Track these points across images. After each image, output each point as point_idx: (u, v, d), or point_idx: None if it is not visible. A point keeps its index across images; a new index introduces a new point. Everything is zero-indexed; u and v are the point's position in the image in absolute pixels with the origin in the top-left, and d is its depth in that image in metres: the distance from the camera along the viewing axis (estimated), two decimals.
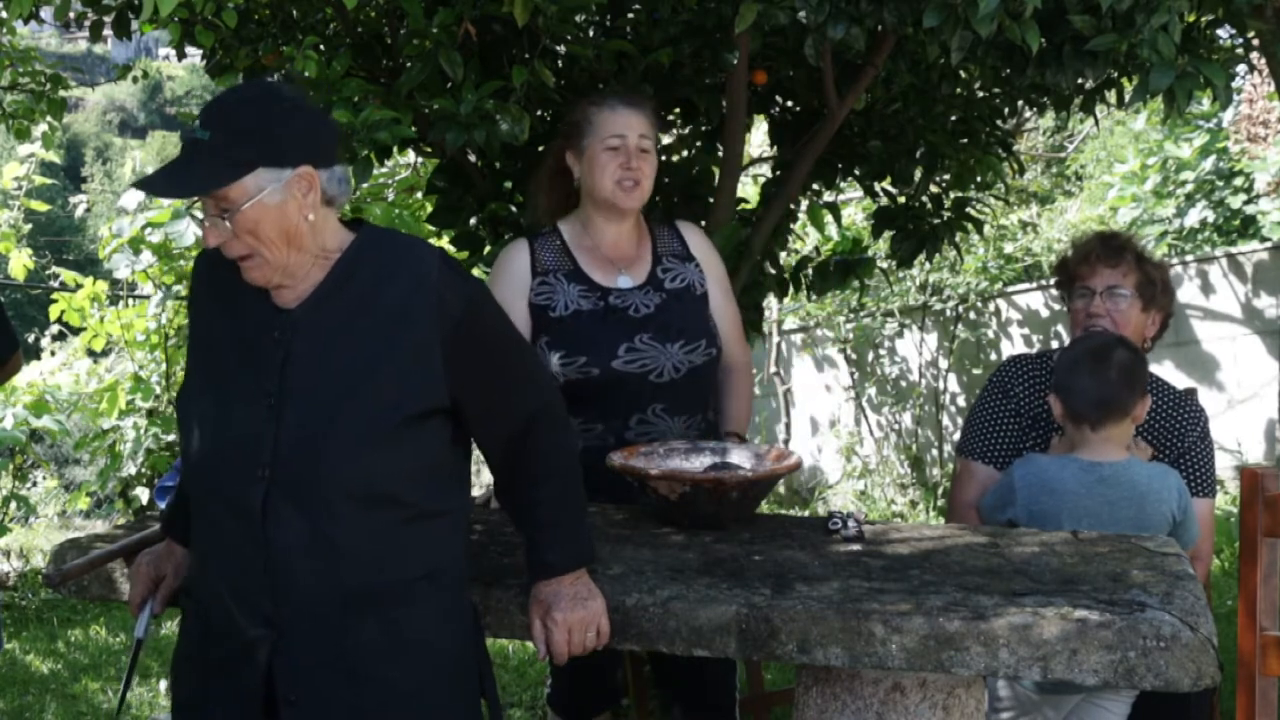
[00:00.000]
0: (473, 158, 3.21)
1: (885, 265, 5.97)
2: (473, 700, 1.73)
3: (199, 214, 1.56)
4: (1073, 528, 2.19)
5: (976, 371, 7.26)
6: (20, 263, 6.39)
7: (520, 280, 2.48)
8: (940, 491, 7.06)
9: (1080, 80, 2.65)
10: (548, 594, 1.74)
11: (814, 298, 4.77)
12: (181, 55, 3.28)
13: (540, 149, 3.24)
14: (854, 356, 7.92)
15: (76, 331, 6.85)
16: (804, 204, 3.81)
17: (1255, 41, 2.94)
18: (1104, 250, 2.50)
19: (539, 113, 3.18)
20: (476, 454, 1.80)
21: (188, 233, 5.71)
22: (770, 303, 7.08)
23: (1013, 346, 7.21)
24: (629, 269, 2.51)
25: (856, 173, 3.66)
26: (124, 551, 1.96)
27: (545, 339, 2.45)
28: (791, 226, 3.75)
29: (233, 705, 1.63)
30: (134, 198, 5.94)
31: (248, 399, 1.61)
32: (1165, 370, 6.31)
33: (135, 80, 4.22)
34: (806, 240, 5.83)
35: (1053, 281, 2.69)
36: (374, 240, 1.68)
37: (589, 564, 1.77)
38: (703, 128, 3.45)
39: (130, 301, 6.70)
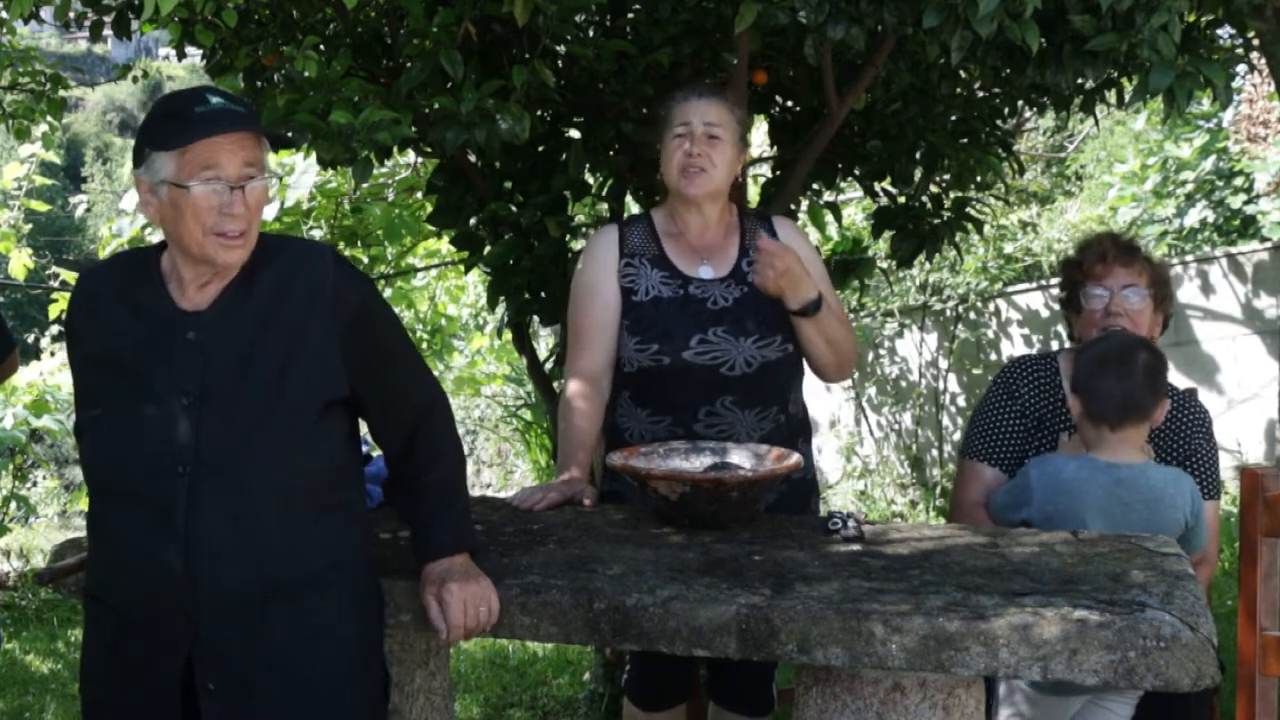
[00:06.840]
0: (473, 158, 3.21)
1: (885, 265, 5.97)
2: (373, 683, 1.79)
3: (201, 184, 1.61)
4: (1088, 529, 2.19)
5: (976, 371, 7.26)
6: (20, 263, 6.38)
7: (608, 261, 2.50)
8: (940, 491, 7.05)
9: (1080, 80, 2.65)
10: (440, 571, 1.81)
11: None
12: (181, 55, 3.28)
13: (540, 149, 3.24)
14: None
15: None
16: (804, 204, 3.81)
17: (1255, 41, 2.94)
18: (1119, 249, 2.50)
19: (539, 113, 3.18)
20: None
21: None
22: None
23: (1013, 347, 7.21)
24: (712, 260, 2.51)
25: (856, 173, 3.66)
26: None
27: (626, 322, 2.45)
28: None
29: (150, 700, 1.67)
30: (134, 198, 5.93)
31: (162, 400, 1.65)
32: None
33: (135, 80, 4.21)
34: None
35: (1058, 281, 2.68)
36: (270, 243, 1.74)
37: (475, 548, 1.87)
38: None
39: None
